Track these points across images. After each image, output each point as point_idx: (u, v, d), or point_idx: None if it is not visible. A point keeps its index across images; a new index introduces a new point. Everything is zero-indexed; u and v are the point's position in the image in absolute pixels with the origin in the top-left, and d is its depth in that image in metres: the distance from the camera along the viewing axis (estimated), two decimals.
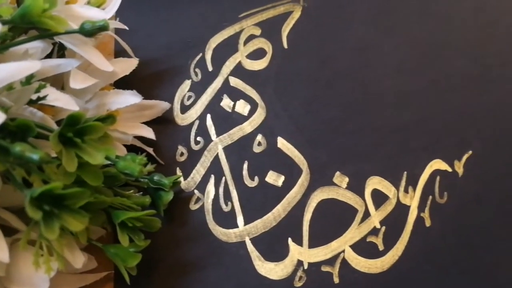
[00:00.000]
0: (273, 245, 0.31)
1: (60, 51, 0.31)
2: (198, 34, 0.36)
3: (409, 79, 0.34)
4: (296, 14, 0.37)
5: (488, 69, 0.34)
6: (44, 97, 0.25)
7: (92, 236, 0.28)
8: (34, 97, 0.25)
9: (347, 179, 0.32)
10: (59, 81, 0.30)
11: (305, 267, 0.30)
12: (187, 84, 0.35)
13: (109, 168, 0.27)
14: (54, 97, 0.25)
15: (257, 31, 0.36)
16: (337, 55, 0.35)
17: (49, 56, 0.29)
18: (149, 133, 0.32)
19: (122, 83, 0.35)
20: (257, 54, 0.36)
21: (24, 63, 0.23)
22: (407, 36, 0.35)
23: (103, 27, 0.25)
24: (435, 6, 0.36)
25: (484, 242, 0.30)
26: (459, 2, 0.36)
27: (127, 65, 0.30)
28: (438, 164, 0.32)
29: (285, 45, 0.36)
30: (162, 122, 0.34)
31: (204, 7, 0.37)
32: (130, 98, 0.29)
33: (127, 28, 0.32)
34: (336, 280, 0.30)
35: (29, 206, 0.20)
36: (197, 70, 0.35)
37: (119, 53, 0.36)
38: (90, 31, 0.25)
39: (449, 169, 0.32)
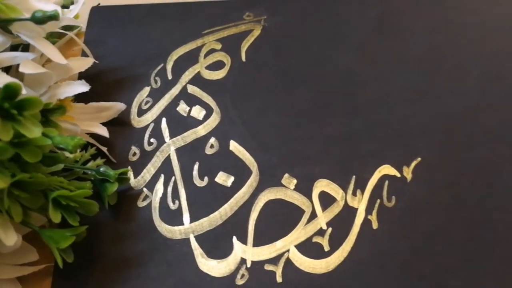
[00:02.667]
0: (217, 243, 0.31)
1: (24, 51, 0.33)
2: (162, 47, 0.38)
3: (358, 90, 0.36)
4: (256, 32, 0.39)
5: (436, 84, 0.36)
6: None
7: (34, 222, 0.28)
8: None
9: (295, 181, 0.32)
10: (20, 77, 0.31)
11: (248, 265, 0.30)
12: (146, 90, 0.36)
13: (53, 154, 0.27)
14: (2, 80, 0.26)
15: (218, 46, 0.38)
16: (291, 68, 0.37)
17: None
18: (103, 131, 0.32)
19: None
20: (216, 66, 0.37)
21: None
22: (360, 51, 0.37)
23: (53, 16, 0.27)
24: (387, 24, 0.38)
25: (430, 246, 0.30)
26: (412, 24, 0.38)
27: (82, 63, 0.31)
28: (387, 169, 0.33)
29: (243, 59, 0.38)
30: (118, 124, 0.35)
31: (169, 24, 0.39)
32: (78, 87, 0.30)
33: (81, 26, 0.34)
34: (279, 279, 0.29)
35: None
36: (157, 78, 0.37)
37: None
38: (41, 19, 0.27)
39: (398, 175, 0.33)
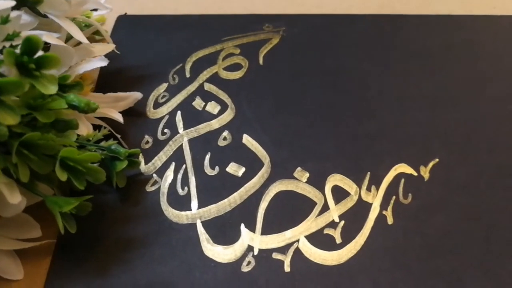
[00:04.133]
0: (224, 229, 0.29)
1: None
2: (182, 50, 0.39)
3: (375, 96, 0.36)
4: (275, 41, 0.40)
5: (455, 90, 0.36)
6: (16, 46, 0.27)
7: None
8: (7, 45, 0.27)
9: (307, 174, 0.32)
10: None
11: (255, 252, 0.28)
12: (163, 86, 0.37)
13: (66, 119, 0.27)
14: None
15: (236, 51, 0.39)
16: (308, 73, 0.37)
17: None
18: (118, 116, 0.33)
19: (105, 81, 0.37)
20: (233, 67, 0.38)
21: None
22: (376, 62, 0.38)
23: None
24: (406, 38, 0.39)
25: (446, 244, 0.29)
26: (429, 39, 0.39)
27: (103, 47, 0.32)
28: (403, 168, 0.32)
29: (261, 62, 0.38)
30: (134, 114, 0.35)
31: (191, 32, 0.41)
32: (96, 62, 0.30)
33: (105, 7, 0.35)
34: (287, 268, 0.28)
35: None
36: (175, 76, 0.37)
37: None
38: None
39: (415, 173, 0.32)
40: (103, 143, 0.31)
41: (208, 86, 0.37)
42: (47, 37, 0.28)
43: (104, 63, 0.30)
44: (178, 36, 0.41)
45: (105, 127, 0.32)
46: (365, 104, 0.35)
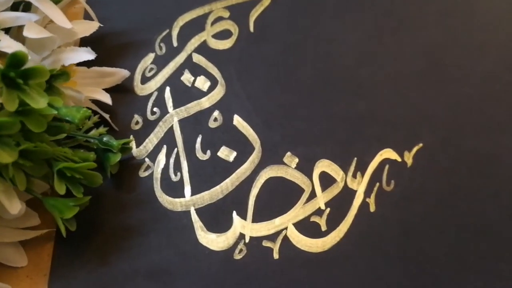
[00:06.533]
0: (217, 216, 0.31)
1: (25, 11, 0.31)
2: (168, 12, 0.37)
3: (368, 72, 0.35)
4: (266, 2, 0.38)
5: (445, 71, 0.35)
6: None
7: (36, 189, 0.28)
8: None
9: (297, 160, 0.33)
10: (21, 38, 0.30)
11: (247, 240, 0.30)
12: (150, 56, 0.36)
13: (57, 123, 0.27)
14: (6, 43, 0.25)
15: (226, 14, 0.37)
16: (301, 44, 0.36)
17: None
18: (106, 98, 0.32)
19: None
20: (223, 35, 0.36)
21: None
22: (370, 33, 0.36)
23: None
24: (400, 7, 0.38)
25: (425, 232, 0.31)
26: (423, 6, 0.38)
27: (87, 27, 0.30)
28: (388, 153, 0.33)
29: (252, 29, 0.37)
30: (121, 91, 0.34)
31: None
32: (83, 54, 0.29)
33: None
34: (276, 256, 0.30)
35: None
36: (162, 44, 0.36)
37: None
38: None
39: (399, 159, 0.33)
40: (93, 132, 0.30)
41: (197, 58, 0.36)
42: (27, 31, 0.26)
43: (91, 56, 0.29)
44: None
45: (95, 114, 0.31)
46: (356, 81, 0.35)
